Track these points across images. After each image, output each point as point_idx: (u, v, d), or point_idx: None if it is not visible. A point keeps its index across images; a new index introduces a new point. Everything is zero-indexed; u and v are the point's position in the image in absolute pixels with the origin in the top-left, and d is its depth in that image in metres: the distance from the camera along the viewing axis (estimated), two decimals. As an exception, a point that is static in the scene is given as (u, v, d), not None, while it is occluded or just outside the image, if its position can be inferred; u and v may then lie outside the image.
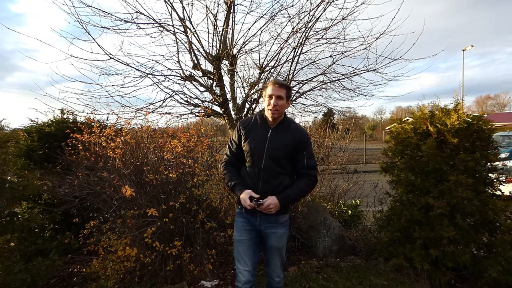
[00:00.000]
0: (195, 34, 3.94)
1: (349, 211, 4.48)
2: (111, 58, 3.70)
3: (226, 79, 4.47)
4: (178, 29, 3.85)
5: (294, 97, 4.60)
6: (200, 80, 4.35)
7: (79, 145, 3.07)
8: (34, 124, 3.75)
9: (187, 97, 4.28)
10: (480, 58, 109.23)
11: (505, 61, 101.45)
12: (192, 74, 4.30)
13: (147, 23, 3.79)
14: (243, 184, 1.84)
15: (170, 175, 2.57)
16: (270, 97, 1.79)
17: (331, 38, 4.12)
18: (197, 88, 4.47)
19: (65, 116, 3.86)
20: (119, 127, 3.39)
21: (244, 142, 1.86)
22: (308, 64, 4.44)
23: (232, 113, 4.51)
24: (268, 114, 1.83)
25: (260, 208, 1.71)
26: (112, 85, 3.97)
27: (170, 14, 3.75)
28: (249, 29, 4.15)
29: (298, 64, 4.13)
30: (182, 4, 3.77)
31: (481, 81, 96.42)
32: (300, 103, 4.98)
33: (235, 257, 1.91)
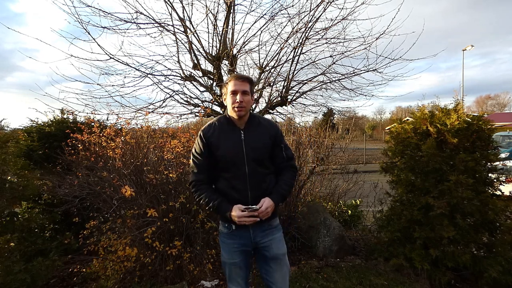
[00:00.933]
0: (195, 34, 3.94)
1: (349, 211, 4.48)
2: (111, 58, 3.71)
3: (226, 79, 4.47)
4: (178, 29, 3.85)
5: (294, 97, 4.61)
6: (200, 80, 4.35)
7: (79, 145, 3.07)
8: (34, 124, 3.75)
9: (187, 97, 4.29)
10: (481, 58, 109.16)
11: (506, 60, 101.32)
12: (192, 74, 4.30)
13: (147, 23, 3.80)
14: (227, 200, 1.60)
15: (170, 175, 2.57)
16: (234, 93, 1.58)
17: (331, 38, 4.13)
18: (197, 88, 4.48)
19: (65, 116, 3.86)
20: (119, 127, 3.39)
21: (216, 151, 1.61)
22: (308, 64, 4.45)
23: (232, 113, 4.50)
24: (233, 113, 1.60)
25: (258, 213, 1.54)
26: (112, 85, 3.98)
27: (170, 14, 3.75)
28: (249, 29, 4.16)
29: (298, 64, 4.13)
30: (182, 4, 3.77)
31: (481, 81, 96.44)
32: (300, 103, 4.99)
33: (227, 278, 1.74)
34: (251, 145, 1.61)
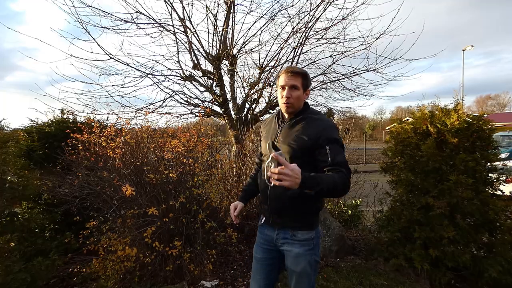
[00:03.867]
0: (195, 34, 3.94)
1: (349, 211, 4.48)
2: (111, 58, 3.71)
3: (226, 79, 4.48)
4: (178, 29, 3.86)
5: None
6: (200, 80, 4.35)
7: (79, 145, 3.07)
8: (34, 124, 3.75)
9: (187, 97, 4.29)
10: (486, 57, 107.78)
11: (511, 60, 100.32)
12: (192, 74, 4.30)
13: (147, 23, 3.81)
14: (250, 192, 1.74)
15: (170, 175, 2.57)
16: (283, 88, 1.48)
17: (331, 38, 4.13)
18: (197, 88, 4.48)
19: (65, 116, 3.86)
20: (119, 127, 3.39)
21: (260, 143, 1.67)
22: (308, 64, 4.45)
23: (232, 113, 4.51)
24: (282, 108, 1.52)
25: (277, 159, 1.10)
26: (112, 85, 3.98)
27: (170, 14, 3.76)
28: (249, 29, 4.17)
29: (298, 64, 4.13)
30: (182, 4, 3.77)
31: (485, 80, 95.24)
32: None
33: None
34: (281, 141, 1.48)
